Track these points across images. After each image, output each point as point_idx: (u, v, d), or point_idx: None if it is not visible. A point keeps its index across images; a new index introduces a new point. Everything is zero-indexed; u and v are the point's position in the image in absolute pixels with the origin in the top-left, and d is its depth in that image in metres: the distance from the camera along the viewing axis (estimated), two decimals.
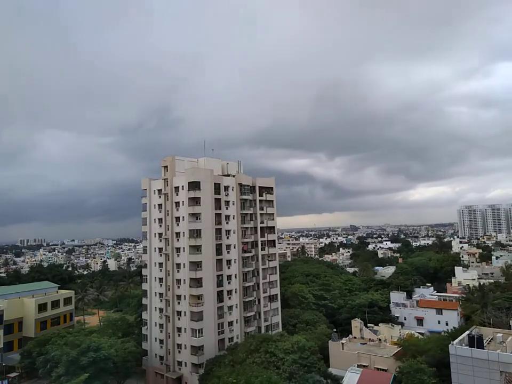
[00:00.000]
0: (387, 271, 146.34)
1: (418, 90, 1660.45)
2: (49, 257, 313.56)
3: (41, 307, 70.98)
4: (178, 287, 61.71)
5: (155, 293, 65.73)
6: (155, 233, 66.74)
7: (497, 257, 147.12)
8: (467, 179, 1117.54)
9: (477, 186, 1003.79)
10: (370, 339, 61.22)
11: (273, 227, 74.55)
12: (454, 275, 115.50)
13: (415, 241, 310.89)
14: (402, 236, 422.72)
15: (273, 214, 74.43)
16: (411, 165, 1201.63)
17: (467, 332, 45.19)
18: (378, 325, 67.72)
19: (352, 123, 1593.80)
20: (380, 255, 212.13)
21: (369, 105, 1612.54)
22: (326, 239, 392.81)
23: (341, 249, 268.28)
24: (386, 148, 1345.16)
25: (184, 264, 61.05)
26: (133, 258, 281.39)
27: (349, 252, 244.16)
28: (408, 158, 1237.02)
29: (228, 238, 65.48)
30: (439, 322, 77.15)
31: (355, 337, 62.13)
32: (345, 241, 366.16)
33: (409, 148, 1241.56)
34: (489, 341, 45.29)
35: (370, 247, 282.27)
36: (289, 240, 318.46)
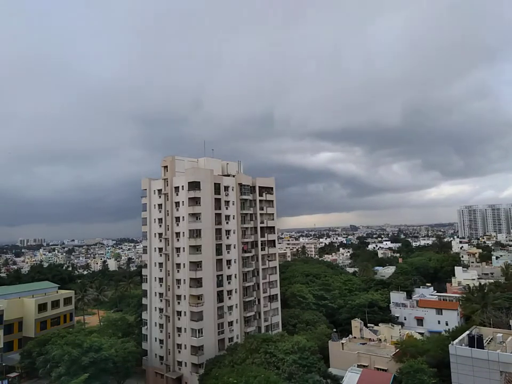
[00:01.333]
0: (387, 271, 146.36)
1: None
2: (49, 257, 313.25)
3: (41, 307, 70.97)
4: (178, 287, 61.71)
5: (155, 293, 65.73)
6: (155, 233, 66.73)
7: (497, 257, 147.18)
8: (501, 176, 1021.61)
9: (497, 185, 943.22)
10: (370, 339, 61.22)
11: (273, 227, 74.55)
12: (454, 275, 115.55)
13: (415, 241, 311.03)
14: (402, 236, 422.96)
15: (273, 214, 74.42)
16: (454, 160, 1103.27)
17: (467, 332, 45.21)
18: (378, 325, 67.75)
19: (407, 111, 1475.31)
20: (380, 255, 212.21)
21: (431, 90, 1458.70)
22: (326, 239, 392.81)
23: (341, 249, 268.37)
24: (434, 140, 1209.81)
25: (184, 264, 61.04)
26: (133, 258, 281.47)
27: (349, 252, 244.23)
28: (455, 152, 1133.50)
29: (228, 238, 65.48)
30: (439, 322, 77.14)
31: (355, 337, 62.13)
32: (345, 241, 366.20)
33: (461, 140, 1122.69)
34: (489, 341, 45.28)
35: (370, 247, 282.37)
36: (289, 240, 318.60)
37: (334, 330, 69.28)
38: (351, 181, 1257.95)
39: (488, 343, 44.04)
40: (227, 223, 65.74)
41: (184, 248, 61.32)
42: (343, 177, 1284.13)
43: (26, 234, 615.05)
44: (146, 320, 66.65)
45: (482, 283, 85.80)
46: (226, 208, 66.01)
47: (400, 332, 64.59)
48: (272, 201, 74.58)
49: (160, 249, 65.33)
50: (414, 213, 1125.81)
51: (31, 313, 69.45)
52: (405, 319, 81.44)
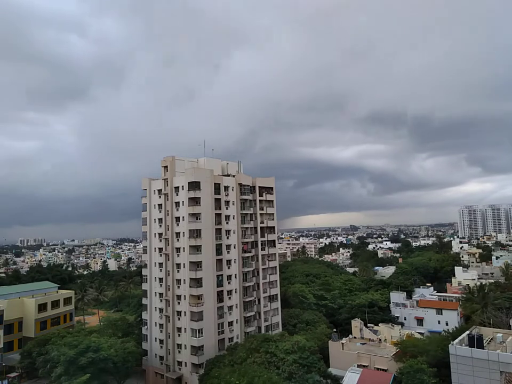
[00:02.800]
0: (387, 271, 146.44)
1: None
2: (49, 257, 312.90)
3: (41, 307, 70.97)
4: (178, 287, 61.71)
5: (155, 293, 65.73)
6: (155, 233, 66.73)
7: (497, 257, 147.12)
8: None
9: None
10: (370, 339, 61.24)
11: (273, 227, 74.53)
12: (454, 275, 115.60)
13: (415, 241, 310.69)
14: (402, 236, 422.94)
15: (273, 214, 74.39)
16: (504, 153, 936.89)
17: (467, 332, 45.19)
18: (378, 325, 67.80)
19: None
20: (380, 255, 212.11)
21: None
22: (326, 239, 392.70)
23: (341, 249, 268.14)
24: (490, 129, 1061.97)
25: (184, 264, 61.04)
26: (133, 258, 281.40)
27: (349, 252, 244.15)
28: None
29: (227, 238, 65.47)
30: (439, 322, 77.15)
31: (355, 337, 62.14)
32: (345, 241, 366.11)
33: None
34: (489, 341, 45.27)
35: (370, 247, 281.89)
36: (289, 240, 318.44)
37: (334, 330, 69.25)
38: (379, 177, 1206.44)
39: (488, 343, 44.02)
40: (227, 223, 65.74)
41: (184, 248, 61.31)
42: (373, 172, 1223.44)
43: (27, 234, 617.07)
44: (146, 320, 66.64)
45: (482, 283, 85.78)
46: (227, 208, 66.00)
47: (400, 332, 64.65)
48: (272, 201, 74.57)
49: (160, 249, 65.32)
50: (427, 212, 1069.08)
51: (31, 313, 69.44)
52: (405, 319, 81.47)
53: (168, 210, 64.64)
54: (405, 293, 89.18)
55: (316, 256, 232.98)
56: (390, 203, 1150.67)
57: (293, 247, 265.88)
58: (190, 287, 59.52)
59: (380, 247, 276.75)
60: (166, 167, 65.82)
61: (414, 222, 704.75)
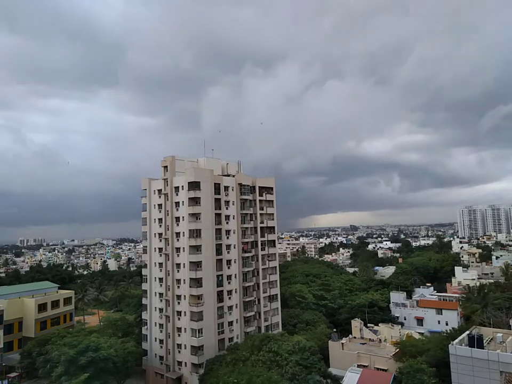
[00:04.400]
0: (387, 271, 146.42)
1: None
2: (49, 257, 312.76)
3: (41, 307, 70.99)
4: (178, 287, 61.72)
5: (155, 293, 65.73)
6: (155, 233, 66.73)
7: (497, 257, 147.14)
8: None
9: None
10: (370, 339, 61.27)
11: (273, 227, 74.54)
12: (454, 275, 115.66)
13: (415, 241, 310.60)
14: (402, 236, 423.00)
15: (273, 214, 74.40)
16: None
17: (467, 332, 45.14)
18: (378, 325, 67.85)
19: None
20: (380, 255, 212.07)
21: None
22: (326, 239, 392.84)
23: (341, 249, 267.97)
24: None
25: (184, 264, 61.04)
26: (133, 258, 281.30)
27: (349, 252, 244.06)
28: None
29: (228, 238, 65.48)
30: (439, 322, 77.20)
31: (355, 337, 62.16)
32: (345, 241, 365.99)
33: None
34: (489, 341, 45.23)
35: (370, 247, 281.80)
36: (289, 240, 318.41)
37: (334, 330, 69.26)
38: (412, 173, 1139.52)
39: (488, 343, 43.98)
40: (227, 223, 65.74)
41: (184, 248, 61.31)
42: (408, 167, 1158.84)
43: (26, 234, 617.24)
44: (146, 320, 66.64)
45: (482, 283, 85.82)
46: (226, 208, 66.01)
47: (400, 332, 64.70)
48: (272, 201, 74.57)
49: (160, 249, 65.32)
50: (440, 211, 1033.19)
51: (31, 313, 69.44)
52: (405, 319, 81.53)
53: (168, 210, 64.63)
54: (405, 293, 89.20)
55: (316, 256, 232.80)
56: (405, 202, 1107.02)
57: (293, 247, 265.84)
58: (190, 287, 59.52)
59: (380, 247, 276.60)
60: (166, 167, 65.81)
61: (414, 222, 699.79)
